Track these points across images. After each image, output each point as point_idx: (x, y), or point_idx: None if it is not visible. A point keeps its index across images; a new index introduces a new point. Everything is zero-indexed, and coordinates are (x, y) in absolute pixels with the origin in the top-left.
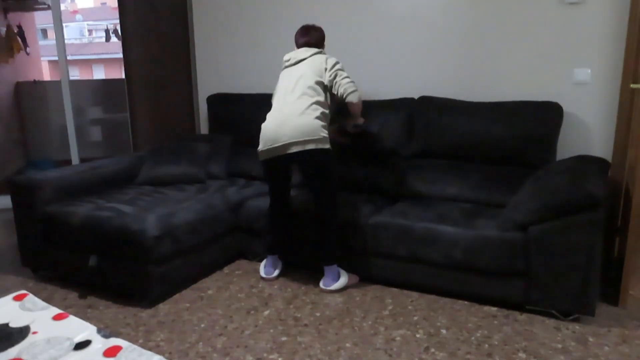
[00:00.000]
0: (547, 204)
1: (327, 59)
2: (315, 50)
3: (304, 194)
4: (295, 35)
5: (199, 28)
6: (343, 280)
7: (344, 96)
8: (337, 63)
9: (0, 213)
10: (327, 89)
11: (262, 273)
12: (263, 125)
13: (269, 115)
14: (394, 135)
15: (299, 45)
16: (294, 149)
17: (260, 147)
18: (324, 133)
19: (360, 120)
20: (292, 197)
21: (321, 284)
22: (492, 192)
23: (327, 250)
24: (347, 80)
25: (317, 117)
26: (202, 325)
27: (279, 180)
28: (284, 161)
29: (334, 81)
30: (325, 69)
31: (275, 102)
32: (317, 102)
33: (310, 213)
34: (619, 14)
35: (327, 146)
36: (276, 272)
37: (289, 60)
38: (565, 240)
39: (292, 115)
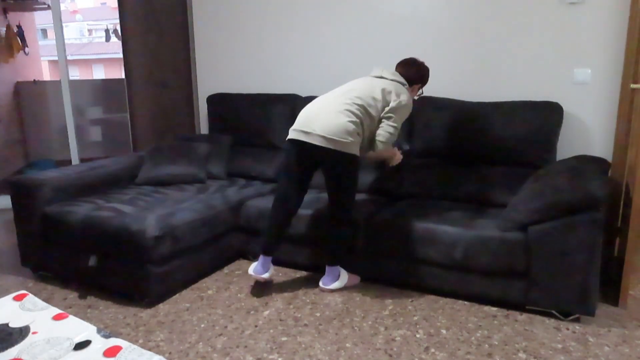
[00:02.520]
0: (548, 204)
1: (400, 95)
2: (401, 79)
3: (310, 193)
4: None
5: (199, 28)
6: (342, 280)
7: (377, 137)
8: (403, 107)
9: (0, 213)
10: (373, 116)
11: (251, 271)
12: (305, 107)
13: (315, 100)
14: None
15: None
16: (317, 142)
17: (292, 127)
18: (352, 138)
19: (395, 158)
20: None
21: (320, 283)
22: (492, 192)
23: (334, 251)
24: (391, 129)
25: (352, 122)
26: (202, 325)
27: (295, 169)
28: (307, 153)
29: (383, 118)
30: (389, 102)
31: (330, 92)
32: (357, 114)
33: (320, 213)
34: (619, 14)
35: (352, 152)
36: (266, 274)
37: (374, 71)
38: (565, 240)
39: (330, 110)
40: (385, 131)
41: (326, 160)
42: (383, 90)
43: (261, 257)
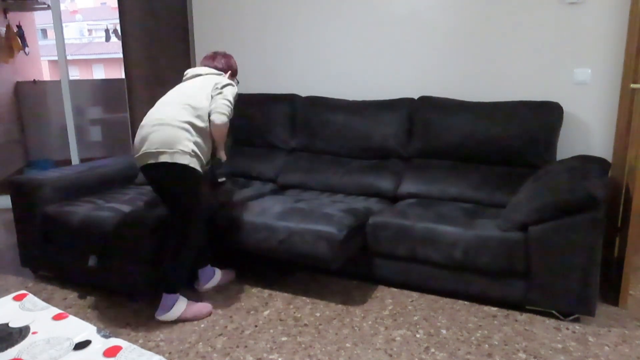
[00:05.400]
0: (548, 204)
1: (223, 79)
2: (215, 71)
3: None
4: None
5: (199, 28)
6: (177, 309)
7: (212, 112)
8: (229, 85)
9: (0, 213)
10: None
11: (195, 285)
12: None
13: (145, 117)
14: (394, 135)
15: (201, 65)
16: (149, 161)
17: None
18: (183, 147)
19: (222, 157)
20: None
21: (155, 314)
22: (492, 192)
23: (172, 275)
24: (226, 102)
25: (182, 129)
26: (202, 325)
27: (158, 196)
28: (147, 175)
29: (214, 97)
30: (216, 88)
31: (156, 104)
32: (189, 121)
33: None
34: (619, 14)
35: (185, 162)
36: (208, 285)
37: (186, 74)
38: (565, 240)
39: (156, 124)
40: (221, 103)
41: (157, 177)
42: (206, 85)
43: (198, 271)
